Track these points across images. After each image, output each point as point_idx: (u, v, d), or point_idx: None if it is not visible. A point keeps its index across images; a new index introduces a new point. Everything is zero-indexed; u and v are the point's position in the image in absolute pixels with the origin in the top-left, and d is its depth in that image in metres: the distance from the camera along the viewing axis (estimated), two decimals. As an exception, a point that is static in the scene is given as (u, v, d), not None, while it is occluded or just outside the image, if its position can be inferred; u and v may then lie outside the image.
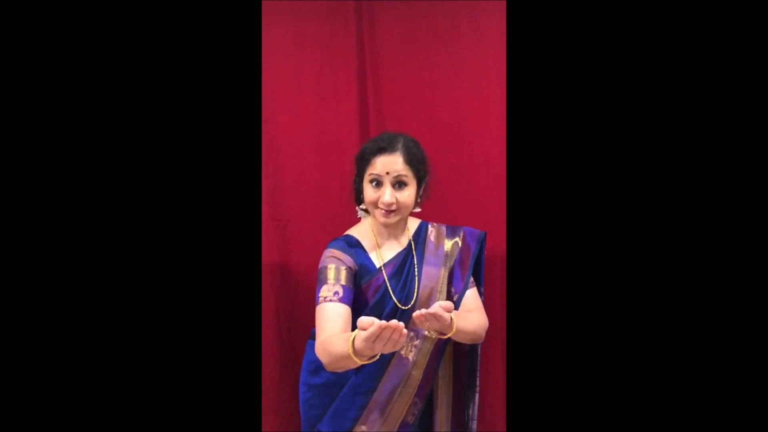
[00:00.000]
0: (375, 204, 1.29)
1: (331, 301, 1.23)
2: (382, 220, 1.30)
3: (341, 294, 1.24)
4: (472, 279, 1.39)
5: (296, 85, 1.63)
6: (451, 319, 1.16)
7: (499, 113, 1.56)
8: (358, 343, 1.04)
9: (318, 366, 1.35)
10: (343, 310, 1.23)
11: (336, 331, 1.20)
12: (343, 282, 1.26)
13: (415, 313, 1.09)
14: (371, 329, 0.99)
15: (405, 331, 1.00)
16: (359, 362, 1.09)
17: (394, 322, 0.99)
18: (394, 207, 1.27)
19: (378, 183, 1.28)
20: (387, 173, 1.26)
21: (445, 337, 1.22)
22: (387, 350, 1.03)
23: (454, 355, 1.44)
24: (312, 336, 1.36)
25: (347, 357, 1.08)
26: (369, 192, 1.30)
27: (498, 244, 1.52)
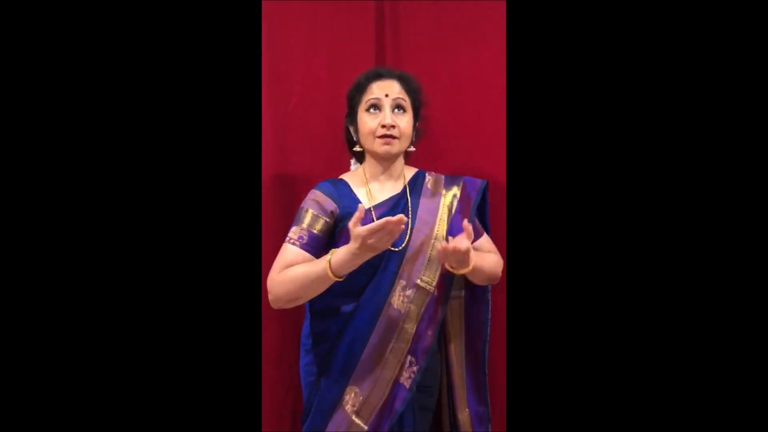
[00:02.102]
0: (374, 133, 1.26)
1: (294, 244, 1.24)
2: (383, 149, 1.26)
3: (305, 240, 1.24)
4: (480, 226, 1.37)
5: (309, 39, 1.56)
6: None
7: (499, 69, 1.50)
8: (350, 248, 1.11)
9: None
10: (301, 257, 1.23)
11: None
12: (313, 229, 1.25)
13: (438, 247, 1.16)
14: (375, 223, 1.05)
15: (406, 219, 1.08)
16: (334, 279, 1.15)
17: (398, 216, 1.06)
18: (395, 132, 1.25)
19: (376, 107, 1.26)
20: (386, 95, 1.26)
21: (460, 273, 1.22)
22: (382, 246, 1.10)
23: (465, 307, 1.41)
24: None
25: (320, 278, 1.15)
26: (367, 120, 1.27)
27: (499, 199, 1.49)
